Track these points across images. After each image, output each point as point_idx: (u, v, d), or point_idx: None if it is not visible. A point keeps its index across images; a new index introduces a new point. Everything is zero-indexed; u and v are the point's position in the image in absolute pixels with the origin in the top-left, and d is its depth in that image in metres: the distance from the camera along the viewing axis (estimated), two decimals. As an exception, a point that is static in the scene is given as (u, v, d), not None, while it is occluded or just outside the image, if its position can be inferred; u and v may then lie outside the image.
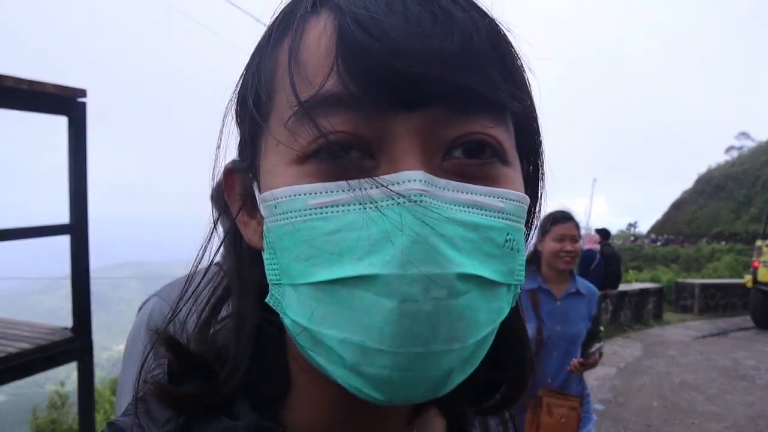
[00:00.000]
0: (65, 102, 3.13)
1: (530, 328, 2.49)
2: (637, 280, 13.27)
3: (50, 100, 3.06)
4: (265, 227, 0.43)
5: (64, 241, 3.19)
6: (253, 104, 0.43)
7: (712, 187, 44.31)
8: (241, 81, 0.46)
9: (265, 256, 0.44)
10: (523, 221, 0.44)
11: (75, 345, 2.97)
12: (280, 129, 0.41)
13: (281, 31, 0.44)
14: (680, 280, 13.13)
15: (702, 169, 51.40)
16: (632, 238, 39.90)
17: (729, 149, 53.22)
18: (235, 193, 0.47)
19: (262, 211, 0.43)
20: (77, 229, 3.14)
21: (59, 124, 3.14)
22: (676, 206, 46.81)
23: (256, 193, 0.44)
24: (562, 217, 2.69)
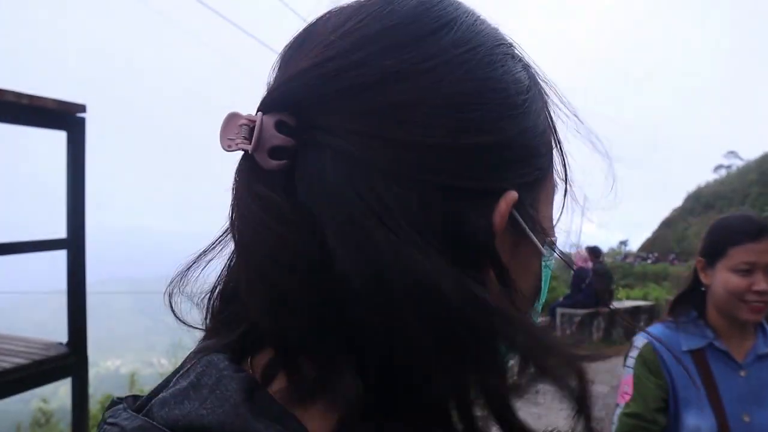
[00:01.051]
0: (64, 117, 3.14)
1: (697, 418, 1.56)
2: (628, 298, 13.31)
3: (50, 115, 3.07)
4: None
5: (56, 256, 3.18)
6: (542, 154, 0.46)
7: (701, 205, 44.65)
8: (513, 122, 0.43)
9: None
10: None
11: (70, 360, 2.95)
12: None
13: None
14: (671, 297, 13.17)
15: (691, 187, 51.83)
16: (623, 256, 40.04)
17: (717, 168, 53.71)
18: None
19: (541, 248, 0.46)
20: (74, 243, 3.13)
21: (60, 138, 3.15)
22: (666, 224, 47.09)
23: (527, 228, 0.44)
24: (755, 231, 1.59)
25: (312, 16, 0.46)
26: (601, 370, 8.32)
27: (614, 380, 7.72)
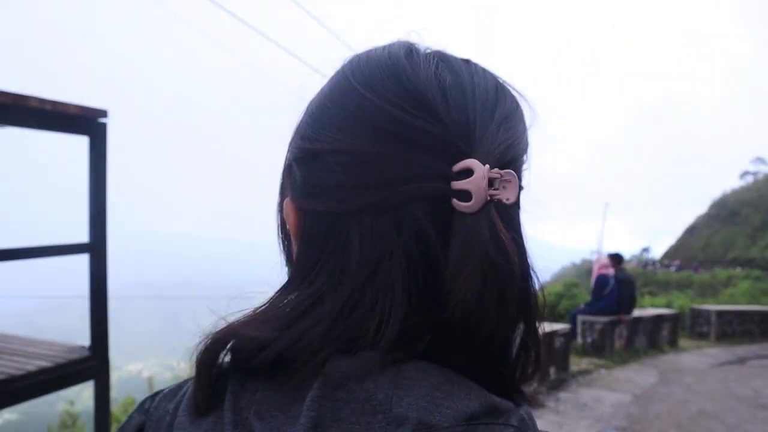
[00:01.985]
0: (87, 122, 3.17)
1: None
2: (651, 306, 13.13)
3: (72, 120, 3.11)
4: None
5: (77, 261, 3.21)
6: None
7: (726, 212, 43.91)
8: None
9: None
10: None
11: (93, 364, 2.97)
12: None
13: None
14: (696, 306, 12.97)
15: (716, 194, 51.06)
16: (645, 264, 39.53)
17: (744, 174, 52.84)
18: None
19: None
20: (96, 248, 3.16)
21: (82, 143, 3.19)
22: (690, 231, 46.41)
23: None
24: None
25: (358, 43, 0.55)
26: (621, 379, 8.23)
27: (636, 389, 7.61)
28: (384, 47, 0.53)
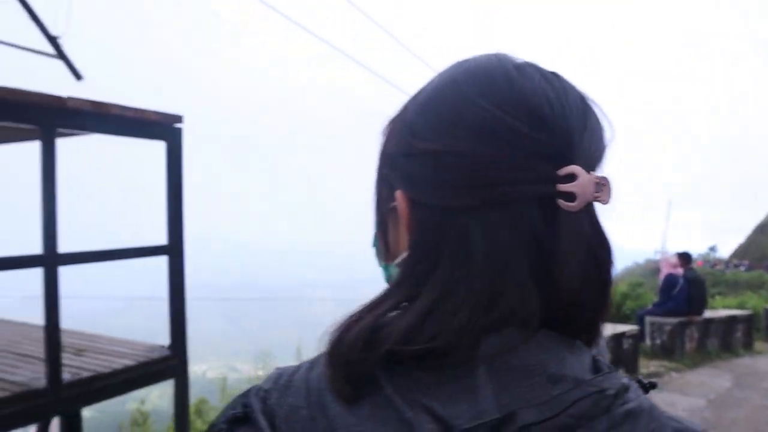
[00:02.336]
0: (164, 128, 3.26)
1: None
2: (723, 307, 12.62)
3: (151, 126, 3.19)
4: None
5: (147, 263, 3.30)
6: None
7: (799, 209, 41.84)
8: None
9: None
10: None
11: (173, 363, 3.05)
12: None
13: None
14: (770, 306, 12.38)
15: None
16: (713, 263, 38.09)
17: (817, 170, 50.21)
18: None
19: None
20: (174, 249, 3.24)
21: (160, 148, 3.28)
22: (761, 229, 44.47)
23: None
24: None
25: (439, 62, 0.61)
26: (694, 383, 7.94)
27: (710, 393, 7.34)
28: (489, 57, 0.59)
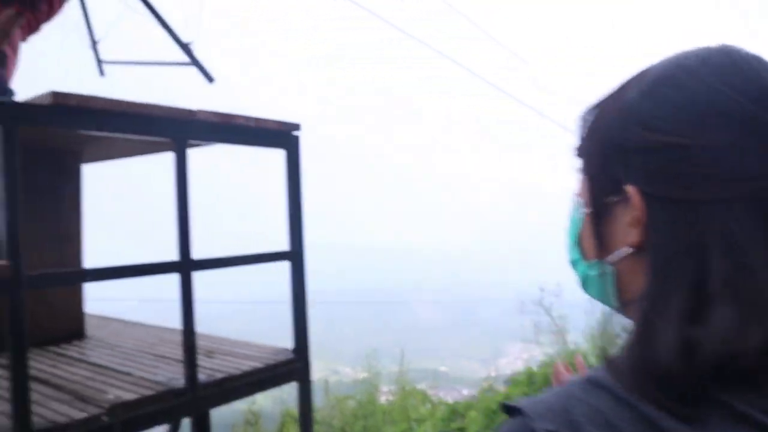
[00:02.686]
0: (283, 136, 3.34)
1: None
2: None
3: (271, 134, 3.28)
4: None
5: (276, 268, 3.38)
6: None
7: None
8: None
9: None
10: None
11: (297, 366, 3.12)
12: None
13: None
14: None
15: None
16: None
17: None
18: None
19: None
20: (296, 255, 3.32)
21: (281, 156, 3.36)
22: None
23: None
24: None
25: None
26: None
27: None
28: (719, 47, 0.57)
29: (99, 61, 4.47)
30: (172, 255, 2.86)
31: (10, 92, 3.44)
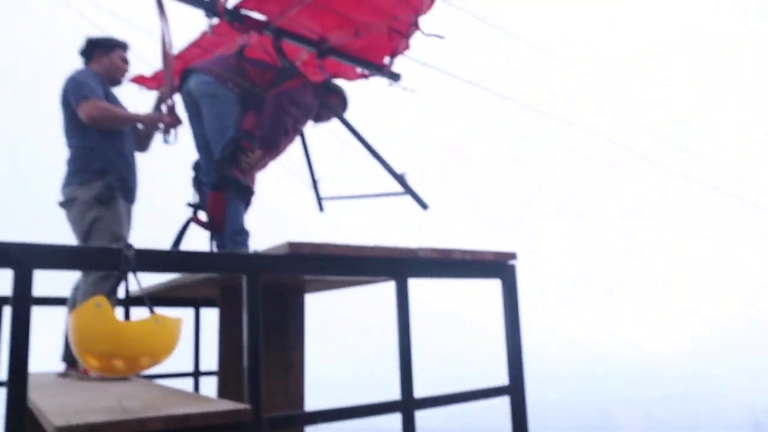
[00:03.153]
0: (499, 266, 3.28)
1: None
2: None
3: (488, 266, 3.23)
4: None
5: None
6: None
7: None
8: None
9: None
10: None
11: None
12: None
13: None
14: None
15: None
16: None
17: None
18: None
19: None
20: (515, 389, 3.15)
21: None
22: None
23: None
24: None
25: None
26: None
27: None
28: None
29: (319, 199, 4.82)
30: (391, 388, 2.86)
31: (245, 233, 3.83)
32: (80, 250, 1.99)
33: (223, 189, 3.67)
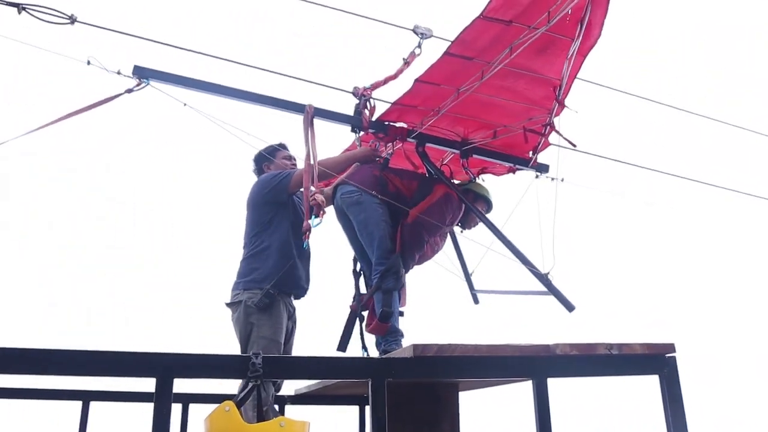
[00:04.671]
0: (654, 360, 2.99)
1: None
2: None
3: (639, 360, 2.97)
4: None
5: None
6: None
7: None
8: None
9: None
10: None
11: None
12: None
13: None
14: None
15: None
16: None
17: None
18: None
19: None
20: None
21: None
22: None
23: None
24: None
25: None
26: None
27: None
28: None
29: (473, 292, 4.83)
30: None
31: (399, 333, 3.89)
32: (214, 359, 2.15)
33: (387, 321, 3.79)
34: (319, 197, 3.39)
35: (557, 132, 3.83)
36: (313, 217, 3.43)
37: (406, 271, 4.03)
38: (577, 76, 3.63)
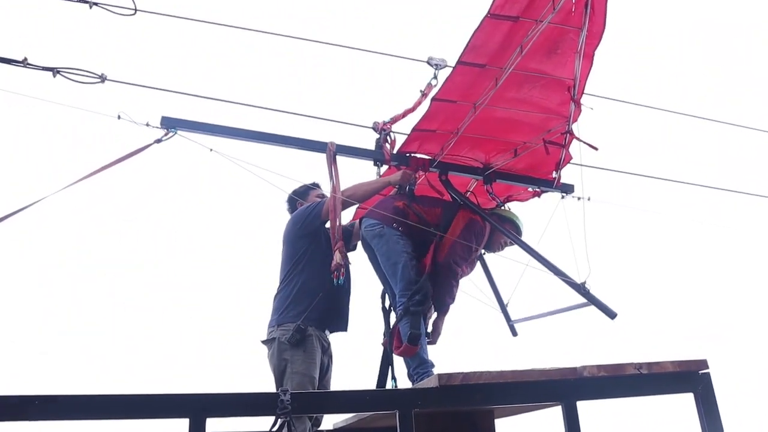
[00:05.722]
0: (688, 378, 2.96)
1: None
2: None
3: (672, 379, 2.94)
4: None
5: None
6: None
7: None
8: None
9: None
10: None
11: None
12: None
13: None
14: None
15: None
16: None
17: None
18: None
19: None
20: None
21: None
22: None
23: None
24: None
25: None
26: None
27: None
28: None
29: (510, 324, 4.82)
30: None
31: (429, 364, 3.91)
32: (245, 398, 2.23)
33: (415, 344, 3.83)
34: (338, 257, 3.52)
35: (577, 138, 3.82)
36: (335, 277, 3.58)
37: (446, 311, 4.09)
38: (588, 82, 3.61)
